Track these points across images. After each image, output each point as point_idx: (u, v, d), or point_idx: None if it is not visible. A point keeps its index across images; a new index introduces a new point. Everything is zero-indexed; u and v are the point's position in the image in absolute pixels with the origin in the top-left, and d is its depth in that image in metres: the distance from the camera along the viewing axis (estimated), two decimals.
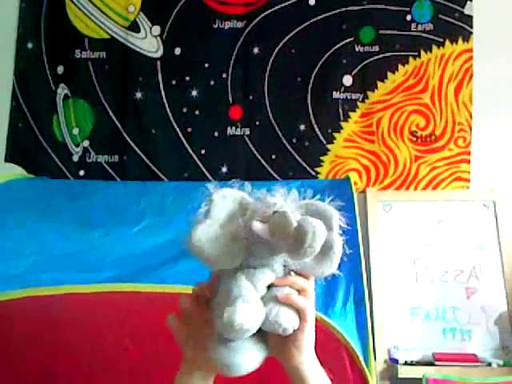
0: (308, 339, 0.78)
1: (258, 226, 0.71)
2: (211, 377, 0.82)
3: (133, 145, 2.13)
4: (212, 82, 2.13)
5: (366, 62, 2.09)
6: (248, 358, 0.74)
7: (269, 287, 0.76)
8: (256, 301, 0.72)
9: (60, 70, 2.19)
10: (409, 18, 2.08)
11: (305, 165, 2.07)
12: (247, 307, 0.70)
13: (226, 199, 0.75)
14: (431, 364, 1.73)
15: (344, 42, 2.09)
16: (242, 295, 0.71)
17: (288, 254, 0.73)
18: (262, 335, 0.76)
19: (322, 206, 0.76)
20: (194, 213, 0.75)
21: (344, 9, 2.10)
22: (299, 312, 0.75)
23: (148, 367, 1.33)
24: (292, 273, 0.78)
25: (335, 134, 2.08)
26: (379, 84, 2.08)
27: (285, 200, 0.74)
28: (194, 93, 2.13)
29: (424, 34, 2.07)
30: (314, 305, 0.79)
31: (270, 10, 2.13)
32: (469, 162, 2.02)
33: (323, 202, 0.77)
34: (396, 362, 1.74)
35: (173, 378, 0.82)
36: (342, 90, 2.09)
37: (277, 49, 2.12)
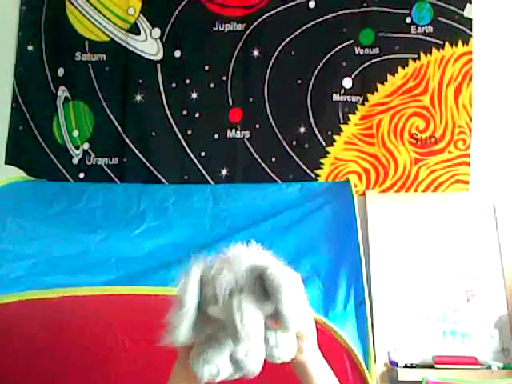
0: (310, 345, 0.83)
1: (212, 311, 0.78)
2: None
3: (133, 147, 2.13)
4: (212, 85, 2.13)
5: (365, 64, 2.09)
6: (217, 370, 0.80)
7: None
8: (219, 360, 0.78)
9: (60, 72, 2.19)
10: (408, 20, 2.08)
11: (305, 167, 2.07)
12: (207, 366, 0.78)
13: (193, 285, 0.79)
14: (431, 367, 1.73)
15: (344, 45, 2.09)
16: (206, 353, 0.79)
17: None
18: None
19: (268, 275, 0.77)
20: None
21: (344, 11, 2.10)
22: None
23: (147, 369, 1.33)
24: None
25: (335, 137, 2.08)
26: (379, 86, 2.08)
27: (234, 274, 0.77)
28: (194, 95, 2.14)
29: (424, 37, 2.07)
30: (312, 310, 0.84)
31: (269, 13, 2.13)
32: (469, 164, 2.02)
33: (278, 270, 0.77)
34: (396, 364, 1.74)
35: None
36: (342, 92, 2.09)
37: (277, 51, 2.12)
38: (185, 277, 0.80)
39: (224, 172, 2.10)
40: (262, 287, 0.77)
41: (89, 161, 2.15)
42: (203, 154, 2.11)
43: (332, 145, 2.08)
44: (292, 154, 2.08)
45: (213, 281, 0.78)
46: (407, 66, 2.07)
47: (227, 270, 0.78)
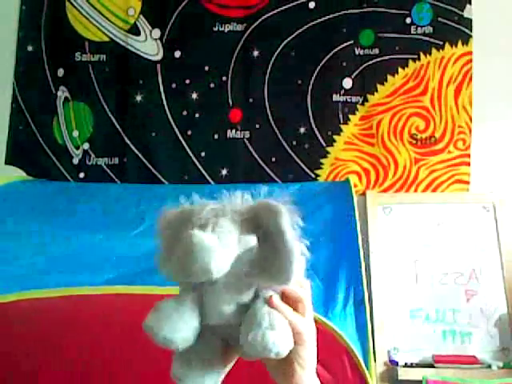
0: (311, 356, 0.72)
1: None
2: None
3: (133, 147, 2.13)
4: (212, 85, 2.14)
5: (365, 64, 2.09)
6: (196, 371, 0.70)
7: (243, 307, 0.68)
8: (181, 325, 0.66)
9: (60, 72, 2.20)
10: (408, 20, 2.09)
11: (305, 167, 2.07)
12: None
13: (170, 223, 0.70)
14: (431, 366, 1.73)
15: (344, 45, 2.10)
16: (170, 317, 0.67)
17: None
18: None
19: (266, 205, 0.66)
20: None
21: (344, 12, 2.11)
22: (294, 328, 0.68)
23: (148, 369, 1.33)
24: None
25: (335, 137, 2.08)
26: (379, 87, 2.08)
27: (225, 206, 0.67)
28: (194, 96, 2.14)
29: (423, 37, 2.08)
30: (312, 314, 0.73)
31: (269, 13, 2.13)
32: (468, 164, 2.02)
33: (273, 200, 0.67)
34: (396, 363, 1.74)
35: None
36: (342, 92, 2.09)
37: (277, 52, 2.12)
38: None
39: (224, 172, 2.10)
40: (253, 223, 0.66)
41: (89, 161, 2.15)
42: (203, 154, 2.12)
43: (332, 145, 2.08)
44: (292, 153, 2.08)
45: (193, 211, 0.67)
46: (407, 66, 2.08)
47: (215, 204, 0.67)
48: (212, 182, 2.09)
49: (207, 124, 2.13)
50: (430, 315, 1.83)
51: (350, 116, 2.08)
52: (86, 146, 2.16)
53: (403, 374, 1.71)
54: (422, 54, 2.07)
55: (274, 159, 2.10)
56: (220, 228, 0.64)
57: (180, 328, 0.66)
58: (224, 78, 2.14)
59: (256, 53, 2.14)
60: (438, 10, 2.07)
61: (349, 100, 2.09)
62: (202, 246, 0.61)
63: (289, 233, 0.64)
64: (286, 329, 0.66)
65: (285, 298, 0.70)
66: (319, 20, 2.12)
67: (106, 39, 2.19)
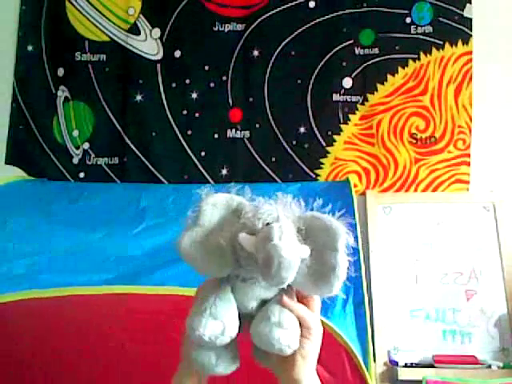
0: (314, 351, 0.74)
1: (243, 238, 0.67)
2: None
3: (133, 147, 2.13)
4: (212, 85, 2.14)
5: (365, 64, 2.09)
6: (216, 360, 0.72)
7: (265, 302, 0.72)
8: (228, 317, 0.69)
9: (60, 72, 2.19)
10: (408, 20, 2.09)
11: (304, 167, 2.07)
12: (212, 322, 0.68)
13: (216, 207, 0.72)
14: (431, 366, 1.73)
15: (344, 45, 2.09)
16: (213, 307, 0.69)
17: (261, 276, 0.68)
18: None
19: (327, 223, 0.69)
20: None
21: (344, 11, 2.10)
22: (304, 322, 0.71)
23: (147, 368, 1.33)
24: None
25: (335, 137, 2.08)
26: (379, 86, 2.08)
27: (285, 210, 0.69)
28: (194, 95, 2.14)
29: (424, 37, 2.07)
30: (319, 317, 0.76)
31: (269, 13, 2.13)
32: (468, 164, 2.02)
33: (332, 217, 0.70)
34: (396, 364, 1.74)
35: (171, 378, 0.82)
36: (342, 92, 2.09)
37: (277, 51, 2.12)
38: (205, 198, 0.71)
39: (224, 172, 2.10)
40: (304, 234, 0.68)
41: (89, 160, 2.15)
42: (203, 153, 2.11)
43: (332, 145, 2.08)
44: (292, 153, 2.08)
45: (250, 208, 0.69)
46: (407, 66, 2.07)
47: (270, 205, 0.69)
48: (212, 182, 2.09)
49: (207, 124, 2.13)
50: (430, 315, 1.83)
51: (350, 116, 2.08)
52: (86, 145, 2.16)
53: (403, 374, 1.71)
54: (422, 53, 2.07)
55: (274, 159, 2.09)
56: (289, 236, 0.66)
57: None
58: (224, 78, 2.13)
59: (256, 52, 2.13)
60: (438, 9, 2.07)
61: (349, 100, 2.09)
62: (290, 263, 0.63)
63: (343, 253, 0.68)
64: (295, 329, 0.69)
65: (300, 295, 0.73)
66: (319, 19, 2.12)
67: (106, 39, 2.19)
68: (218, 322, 0.68)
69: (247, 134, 2.11)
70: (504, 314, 1.81)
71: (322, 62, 2.10)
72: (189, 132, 2.13)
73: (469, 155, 2.02)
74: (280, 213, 0.68)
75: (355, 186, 2.00)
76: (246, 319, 0.73)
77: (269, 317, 0.69)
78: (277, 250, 0.63)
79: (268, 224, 0.67)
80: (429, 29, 2.07)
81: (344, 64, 2.09)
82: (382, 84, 2.08)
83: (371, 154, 2.06)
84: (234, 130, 2.12)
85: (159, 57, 2.16)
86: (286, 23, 2.12)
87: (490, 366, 1.72)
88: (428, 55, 2.07)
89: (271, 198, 0.72)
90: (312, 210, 0.73)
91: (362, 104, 2.08)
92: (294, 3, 2.13)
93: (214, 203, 0.72)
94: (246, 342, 0.75)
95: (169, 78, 2.15)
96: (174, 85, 2.15)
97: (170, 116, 2.14)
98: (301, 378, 0.73)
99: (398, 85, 2.07)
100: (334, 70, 2.10)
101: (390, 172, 2.04)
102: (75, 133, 2.17)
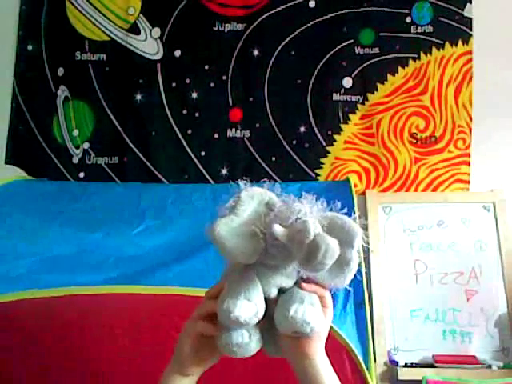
0: (327, 329, 0.80)
1: (278, 229, 0.72)
2: (196, 378, 0.83)
3: (133, 147, 2.13)
4: (212, 84, 2.14)
5: (365, 64, 2.09)
6: (249, 337, 0.77)
7: (280, 290, 0.78)
8: (258, 299, 0.75)
9: (60, 71, 2.19)
10: (408, 20, 2.09)
11: (305, 167, 2.07)
12: (247, 304, 0.73)
13: (253, 199, 0.77)
14: (431, 366, 1.74)
15: (344, 44, 2.10)
16: (247, 291, 0.74)
17: (299, 263, 0.74)
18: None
19: (347, 223, 0.76)
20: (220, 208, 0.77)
21: (344, 11, 2.11)
22: (324, 302, 0.78)
23: (147, 368, 1.33)
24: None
25: (335, 136, 2.08)
26: (379, 86, 2.08)
27: (311, 209, 0.75)
28: (194, 95, 2.14)
29: (424, 36, 2.08)
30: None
31: (269, 13, 2.13)
32: (469, 163, 2.02)
33: (349, 218, 0.77)
34: (396, 363, 1.74)
35: None
36: (342, 91, 2.09)
37: (277, 51, 2.12)
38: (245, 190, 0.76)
39: (224, 171, 2.10)
40: (326, 231, 0.74)
41: (89, 160, 2.15)
42: (203, 153, 2.11)
43: (332, 144, 2.08)
44: (292, 153, 2.08)
45: (281, 203, 0.76)
46: (407, 65, 2.08)
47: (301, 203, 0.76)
48: (212, 182, 2.09)
49: (207, 123, 2.13)
50: (430, 315, 1.83)
51: (350, 115, 2.08)
52: (86, 145, 2.16)
53: (403, 374, 1.71)
54: (422, 53, 2.07)
55: (273, 158, 2.09)
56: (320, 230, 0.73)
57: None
58: (224, 78, 2.13)
59: (256, 52, 2.13)
60: (438, 9, 2.07)
61: (349, 99, 2.09)
62: (334, 251, 0.70)
63: (356, 250, 0.76)
64: (321, 311, 0.77)
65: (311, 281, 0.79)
66: (319, 19, 2.12)
67: (106, 38, 2.19)
68: (252, 304, 0.73)
69: (247, 133, 2.11)
70: (504, 314, 1.81)
71: (322, 62, 2.10)
72: (189, 132, 2.13)
73: (469, 155, 2.02)
74: (308, 210, 0.75)
75: (355, 185, 2.00)
76: None
77: (302, 299, 0.76)
78: (324, 239, 0.69)
79: (298, 219, 0.73)
80: (429, 28, 2.07)
81: (344, 64, 2.09)
82: (382, 84, 2.08)
83: (371, 154, 2.06)
84: (234, 130, 2.12)
85: (159, 56, 2.16)
86: (286, 23, 2.12)
87: (490, 366, 1.72)
88: (428, 55, 2.07)
89: (297, 197, 0.78)
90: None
91: (362, 104, 2.08)
92: (293, 3, 2.13)
93: (252, 195, 0.77)
94: None
95: (169, 77, 2.15)
96: (173, 84, 2.15)
97: (169, 115, 2.14)
98: (315, 353, 0.79)
99: (398, 84, 2.07)
100: (334, 70, 2.10)
101: (390, 172, 2.04)
102: (75, 132, 2.17)
